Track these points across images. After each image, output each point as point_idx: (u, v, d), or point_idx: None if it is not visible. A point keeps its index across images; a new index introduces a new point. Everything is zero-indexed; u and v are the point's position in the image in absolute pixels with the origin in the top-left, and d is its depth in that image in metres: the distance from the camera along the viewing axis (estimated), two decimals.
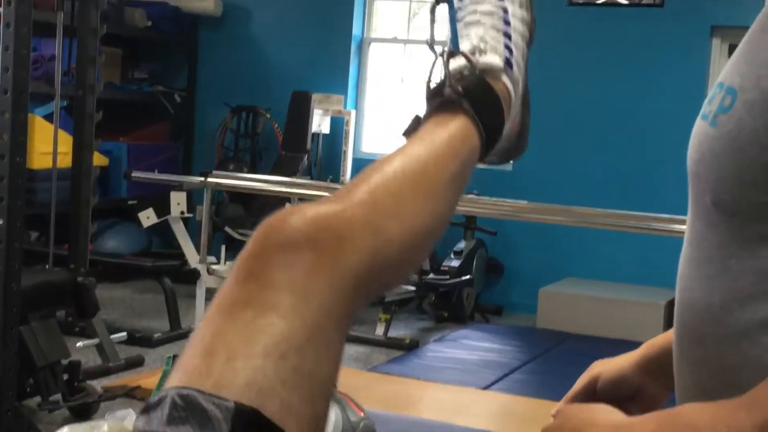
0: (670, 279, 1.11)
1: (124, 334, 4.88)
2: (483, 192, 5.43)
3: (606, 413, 0.95)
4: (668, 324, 2.99)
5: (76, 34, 4.54)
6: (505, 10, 1.11)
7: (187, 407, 0.73)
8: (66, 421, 3.79)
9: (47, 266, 4.46)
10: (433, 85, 1.04)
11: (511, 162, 3.92)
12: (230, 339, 0.77)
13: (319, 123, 7.20)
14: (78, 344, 4.44)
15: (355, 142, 7.39)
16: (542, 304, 6.24)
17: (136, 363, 4.76)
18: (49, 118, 5.26)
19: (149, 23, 7.34)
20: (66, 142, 4.67)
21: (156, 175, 5.59)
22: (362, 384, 4.42)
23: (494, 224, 6.43)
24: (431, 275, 6.20)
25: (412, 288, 5.99)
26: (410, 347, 5.47)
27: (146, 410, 0.75)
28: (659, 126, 6.40)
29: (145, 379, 4.26)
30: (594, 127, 6.68)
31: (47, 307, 3.92)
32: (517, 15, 1.12)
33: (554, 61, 6.60)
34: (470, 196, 4.99)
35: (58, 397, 3.82)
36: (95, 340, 4.56)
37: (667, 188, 5.98)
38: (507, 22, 1.10)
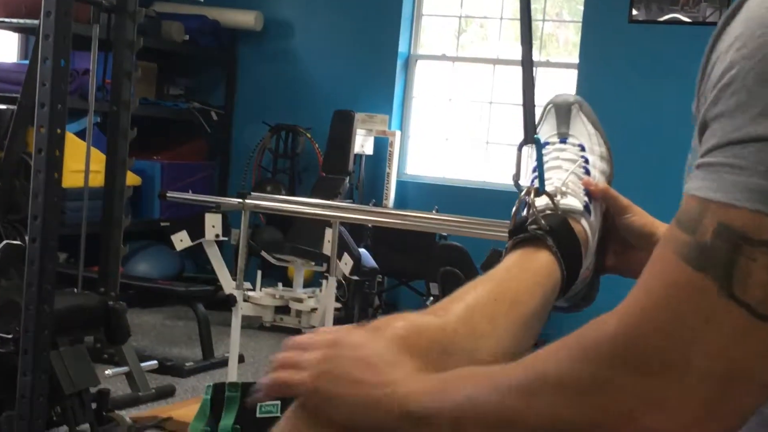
0: None
1: (155, 362, 4.91)
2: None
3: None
4: None
5: (112, 47, 4.61)
6: (586, 160, 1.25)
7: None
8: None
9: (76, 289, 4.51)
10: (519, 219, 1.17)
11: None
12: None
13: (362, 144, 7.23)
14: (107, 372, 4.48)
15: (399, 164, 7.41)
16: None
17: (166, 393, 4.79)
18: (81, 134, 5.33)
19: (186, 37, 7.43)
20: (98, 160, 4.72)
21: (191, 196, 5.64)
22: None
23: None
24: None
25: None
26: None
27: None
28: None
29: (176, 410, 4.29)
30: (655, 149, 6.64)
31: (76, 332, 3.96)
32: (596, 165, 1.25)
33: (615, 79, 6.59)
34: None
35: (86, 427, 3.85)
36: (125, 368, 4.59)
37: None
38: (587, 171, 1.23)
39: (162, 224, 6.49)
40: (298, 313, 6.54)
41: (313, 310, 6.43)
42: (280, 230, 6.87)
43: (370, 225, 6.52)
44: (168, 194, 5.57)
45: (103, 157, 4.63)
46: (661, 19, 6.67)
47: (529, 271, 1.12)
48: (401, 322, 1.00)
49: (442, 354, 0.98)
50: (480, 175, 7.36)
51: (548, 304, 1.12)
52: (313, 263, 6.74)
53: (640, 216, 1.27)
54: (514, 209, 1.19)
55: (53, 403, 3.63)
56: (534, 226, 1.14)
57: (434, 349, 0.98)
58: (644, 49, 6.71)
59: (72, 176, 5.08)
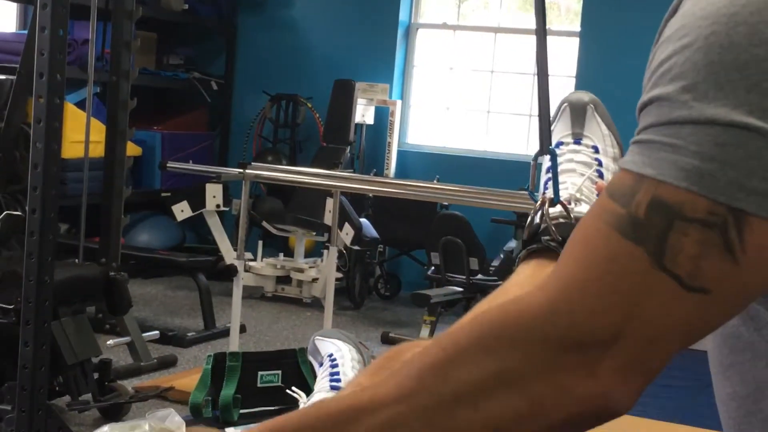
0: None
1: (156, 332, 4.93)
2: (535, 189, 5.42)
3: None
4: None
5: (111, 17, 4.59)
6: (600, 163, 1.26)
7: None
8: (96, 422, 3.84)
9: (77, 260, 4.52)
10: (533, 228, 1.18)
11: None
12: None
13: (363, 113, 7.22)
14: (109, 342, 4.50)
15: (400, 133, 7.40)
16: None
17: (168, 363, 4.81)
18: (81, 105, 5.32)
19: (186, 6, 7.40)
20: (98, 130, 4.72)
21: (192, 166, 5.64)
22: None
23: None
24: (479, 276, 6.19)
25: (460, 289, 5.99)
26: None
27: None
28: None
29: (178, 379, 4.30)
30: None
31: (78, 303, 3.97)
32: (610, 168, 1.27)
33: (617, 48, 6.56)
34: (521, 192, 4.98)
35: (88, 396, 3.87)
36: (127, 339, 4.61)
37: None
38: (601, 175, 1.25)
39: (163, 195, 6.49)
40: (299, 283, 6.56)
41: (315, 280, 6.45)
42: (281, 200, 6.87)
43: (371, 195, 6.53)
44: (168, 164, 5.58)
45: (103, 127, 4.63)
46: None
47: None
48: (421, 348, 1.03)
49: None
50: (481, 144, 7.35)
51: None
52: (314, 233, 6.75)
53: None
54: (529, 218, 1.21)
55: (55, 373, 3.65)
56: (547, 237, 1.16)
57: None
58: (647, 16, 6.67)
59: (72, 147, 5.08)
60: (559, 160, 1.26)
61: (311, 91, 7.39)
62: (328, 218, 5.19)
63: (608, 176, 1.26)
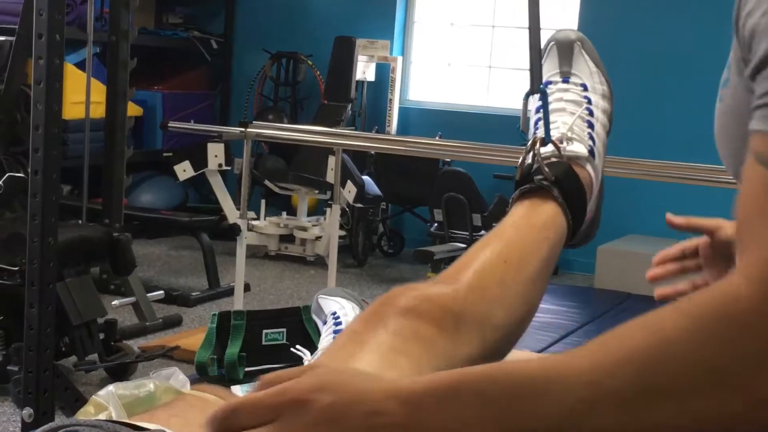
0: None
1: (161, 292, 4.95)
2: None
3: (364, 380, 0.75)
4: None
5: None
6: (589, 101, 1.26)
7: None
8: (103, 382, 3.87)
9: (80, 221, 4.53)
10: (525, 168, 1.18)
11: None
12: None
13: (364, 70, 7.19)
14: (114, 303, 4.52)
15: (401, 90, 7.38)
16: (601, 263, 6.22)
17: (173, 323, 4.84)
18: (80, 66, 5.30)
19: None
20: (99, 91, 4.70)
21: (193, 126, 5.62)
22: None
23: None
24: (483, 231, 6.20)
25: (463, 245, 6.00)
26: None
27: None
28: None
29: (184, 339, 4.33)
30: (661, 78, 6.60)
31: (82, 264, 3.99)
32: (599, 106, 1.27)
33: (621, 6, 6.52)
34: (524, 147, 4.97)
35: (94, 357, 3.90)
36: (131, 299, 4.63)
37: None
38: (591, 113, 1.25)
39: (165, 155, 6.49)
40: (303, 241, 6.57)
41: (318, 238, 6.46)
42: (283, 159, 6.87)
43: (373, 152, 6.51)
44: (170, 124, 5.56)
45: (103, 88, 4.61)
46: None
47: (535, 227, 1.14)
48: (413, 292, 1.01)
49: (455, 322, 1.00)
50: (483, 100, 7.33)
51: (555, 257, 1.14)
52: (316, 191, 6.75)
53: (728, 226, 1.28)
54: (521, 159, 1.21)
55: (61, 334, 3.67)
56: (540, 176, 1.17)
57: (447, 317, 1.00)
58: None
59: (73, 108, 5.07)
60: (549, 98, 1.26)
61: (312, 49, 7.35)
62: (331, 176, 5.18)
63: (597, 114, 1.26)
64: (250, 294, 5.35)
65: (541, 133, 1.23)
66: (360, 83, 7.19)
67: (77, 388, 3.51)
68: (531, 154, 1.20)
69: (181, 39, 7.44)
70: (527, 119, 1.26)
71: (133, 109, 5.46)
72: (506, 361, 0.93)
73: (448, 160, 6.41)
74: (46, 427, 1.01)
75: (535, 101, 1.26)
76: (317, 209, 7.05)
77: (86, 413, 1.36)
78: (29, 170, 2.92)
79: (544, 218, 1.15)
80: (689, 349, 0.70)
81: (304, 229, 6.56)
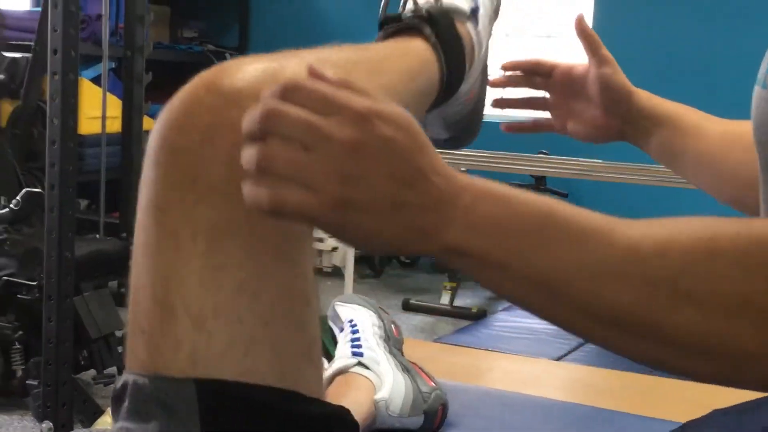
0: None
1: None
2: (553, 151, 5.40)
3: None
4: None
5: None
6: None
7: (148, 399, 0.73)
8: None
9: (98, 235, 4.55)
10: (389, 12, 0.98)
11: None
12: (185, 292, 0.72)
13: None
14: None
15: None
16: None
17: None
18: (96, 81, 5.33)
19: None
20: (115, 105, 4.74)
21: None
22: (428, 355, 4.41)
23: (565, 185, 6.40)
24: None
25: None
26: (477, 316, 5.49)
27: (114, 400, 0.76)
28: (751, 81, 6.28)
29: None
30: (679, 81, 6.58)
31: (100, 278, 4.00)
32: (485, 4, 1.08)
33: (638, 6, 6.51)
34: (539, 155, 4.97)
35: (113, 370, 3.91)
36: None
37: None
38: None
39: None
40: (319, 252, 6.56)
41: (334, 249, 6.45)
42: None
43: None
44: None
45: (119, 102, 4.64)
46: None
47: (398, 51, 0.93)
48: (238, 73, 0.79)
49: None
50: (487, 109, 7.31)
51: (422, 95, 0.94)
52: None
53: (619, 74, 1.14)
54: (383, 2, 1.01)
55: (80, 347, 3.68)
56: (410, 14, 0.96)
57: None
58: None
59: (89, 123, 5.10)
60: None
61: None
62: None
63: (483, 12, 1.06)
64: None
65: None
66: None
67: (96, 401, 3.52)
68: None
69: (196, 53, 7.47)
70: None
71: (148, 123, 5.48)
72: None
73: (463, 169, 6.40)
74: None
75: None
76: None
77: (104, 423, 1.36)
78: (46, 185, 2.94)
79: (412, 50, 0.93)
80: (736, 270, 0.67)
81: (320, 239, 6.56)
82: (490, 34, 1.08)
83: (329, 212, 0.66)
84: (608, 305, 0.68)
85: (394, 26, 0.96)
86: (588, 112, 1.14)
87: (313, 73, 0.68)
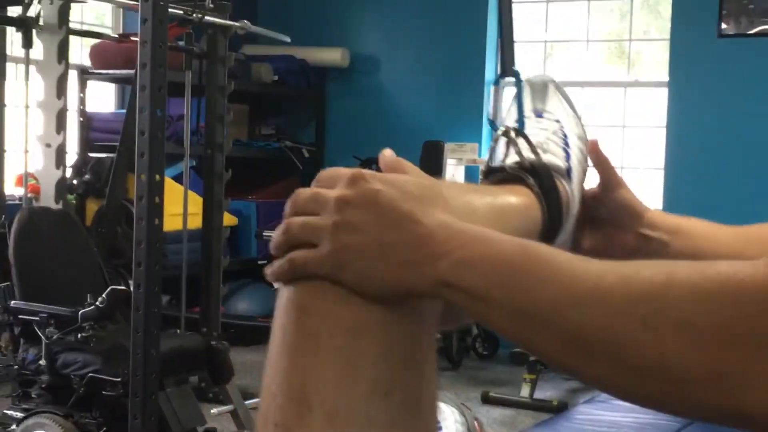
0: None
1: (258, 399, 4.96)
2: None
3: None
4: None
5: (204, 92, 4.72)
6: (565, 135, 1.12)
7: None
8: None
9: (179, 330, 4.61)
10: (494, 164, 1.04)
11: None
12: (321, 388, 0.78)
13: (453, 173, 7.24)
14: (212, 411, 4.55)
15: None
16: None
17: None
18: (177, 178, 5.45)
19: (276, 77, 7.55)
20: (195, 202, 4.82)
21: None
22: None
23: None
24: None
25: None
26: (558, 409, 5.41)
27: None
28: None
29: None
30: (744, 163, 6.52)
31: (181, 373, 4.05)
32: (575, 144, 1.12)
33: (706, 96, 6.50)
34: None
35: None
36: (230, 407, 4.66)
37: None
38: (566, 143, 1.11)
39: (260, 263, 6.58)
40: None
41: None
42: None
43: None
44: (264, 233, 5.66)
45: (199, 199, 4.73)
46: (752, 31, 6.56)
47: (505, 196, 0.99)
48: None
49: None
50: None
51: (524, 232, 0.97)
52: None
53: (632, 194, 1.17)
54: (488, 152, 1.07)
55: None
56: (513, 165, 1.02)
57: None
58: (735, 63, 6.61)
59: (171, 219, 5.19)
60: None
61: (401, 153, 7.26)
62: None
63: (574, 149, 1.11)
64: None
65: (512, 121, 1.08)
66: None
67: None
68: (503, 142, 1.06)
69: (273, 149, 7.60)
70: (497, 108, 1.13)
71: (228, 219, 5.58)
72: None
73: None
74: None
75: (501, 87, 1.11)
76: None
77: None
78: (132, 284, 3.00)
79: (516, 198, 1.00)
80: (718, 303, 0.70)
81: None
82: (581, 195, 1.14)
83: (330, 260, 0.78)
84: (574, 330, 0.73)
85: (499, 175, 1.03)
86: (603, 230, 1.18)
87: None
